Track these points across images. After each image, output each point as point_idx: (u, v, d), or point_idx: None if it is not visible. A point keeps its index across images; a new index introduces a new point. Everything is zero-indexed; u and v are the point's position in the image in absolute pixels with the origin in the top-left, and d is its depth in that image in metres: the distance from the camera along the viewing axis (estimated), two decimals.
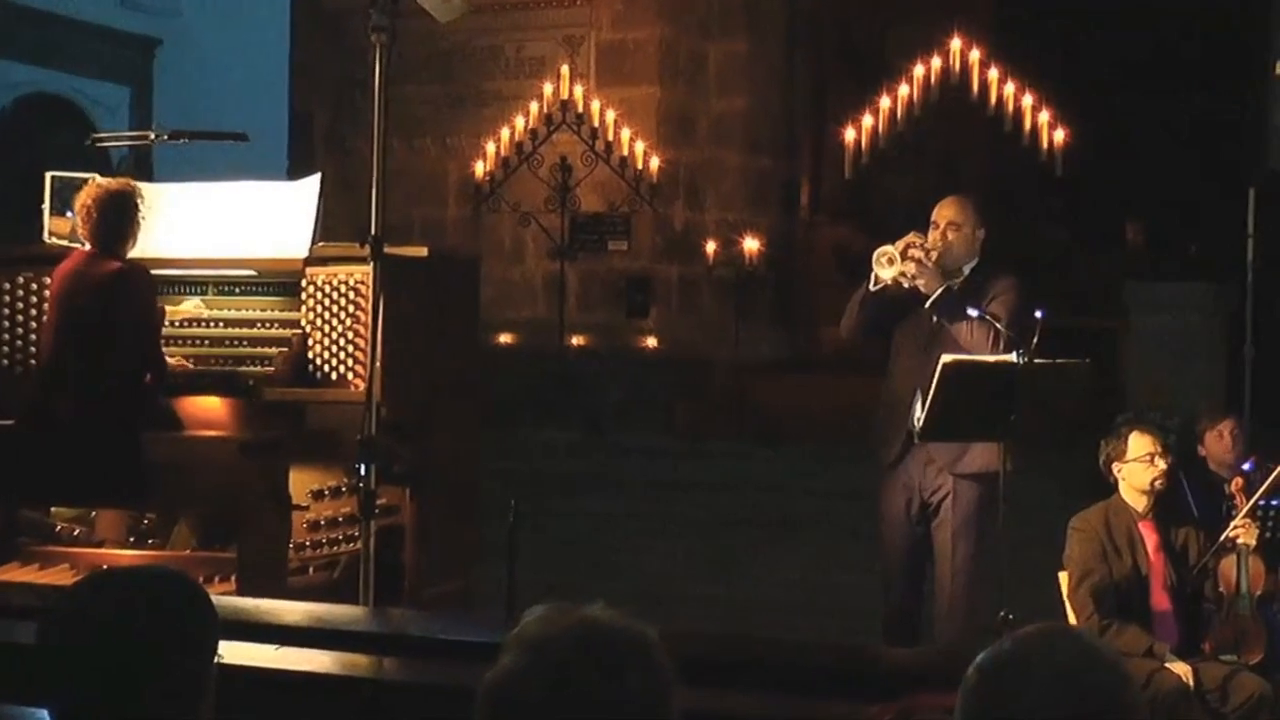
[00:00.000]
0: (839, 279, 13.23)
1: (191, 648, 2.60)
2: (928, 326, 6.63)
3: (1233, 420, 7.63)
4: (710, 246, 14.63)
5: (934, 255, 6.55)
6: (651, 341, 14.90)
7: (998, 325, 6.41)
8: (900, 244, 6.52)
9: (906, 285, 6.52)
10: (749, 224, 15.03)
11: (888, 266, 6.48)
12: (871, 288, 6.59)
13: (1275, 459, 6.88)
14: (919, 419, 6.45)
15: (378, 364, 5.68)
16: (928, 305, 6.54)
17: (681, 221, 15.23)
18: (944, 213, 6.78)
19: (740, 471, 12.06)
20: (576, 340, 14.75)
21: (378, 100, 5.62)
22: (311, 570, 6.66)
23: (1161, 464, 6.49)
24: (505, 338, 14.88)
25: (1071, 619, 6.36)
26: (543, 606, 2.26)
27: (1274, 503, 6.66)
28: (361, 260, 6.03)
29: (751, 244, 14.43)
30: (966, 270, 6.74)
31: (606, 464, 12.34)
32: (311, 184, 6.80)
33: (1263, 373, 11.44)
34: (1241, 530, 6.50)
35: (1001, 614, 5.92)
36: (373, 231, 5.66)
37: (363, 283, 6.38)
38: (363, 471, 5.55)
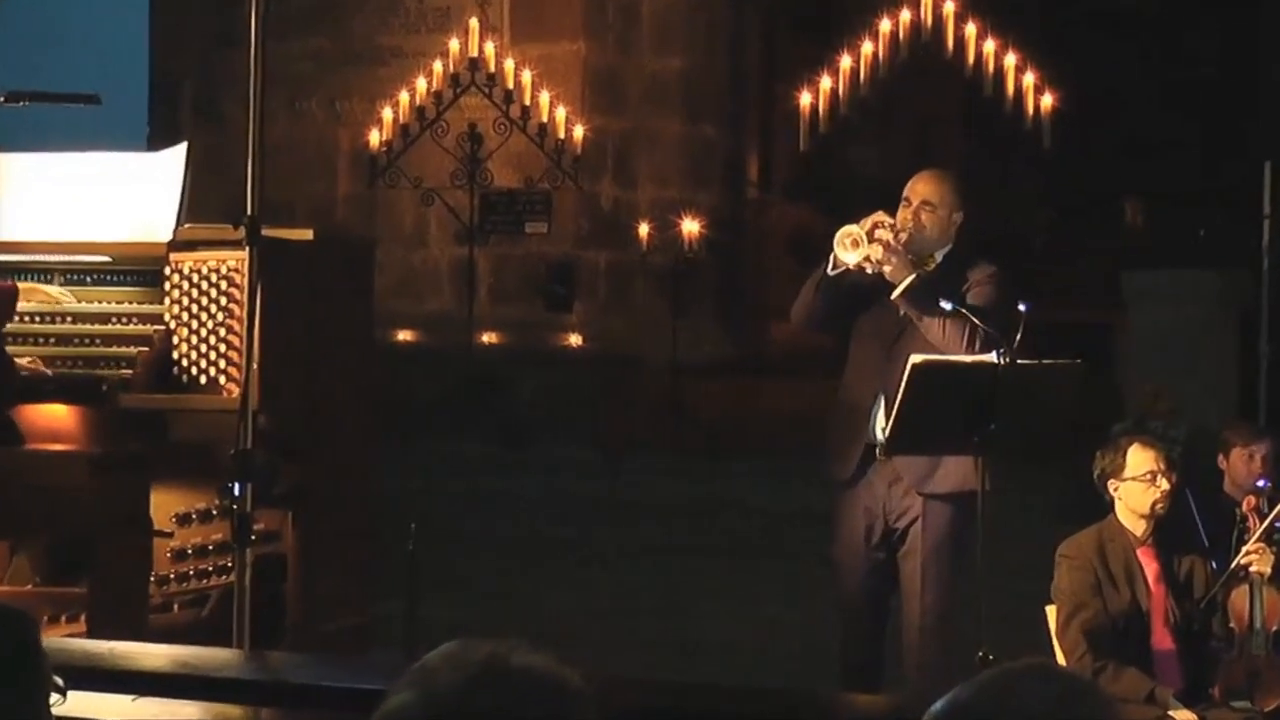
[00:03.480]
0: (793, 267, 13.28)
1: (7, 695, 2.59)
2: (893, 320, 6.66)
3: (1269, 443, 7.68)
4: (643, 229, 14.66)
5: (903, 237, 6.58)
6: (575, 339, 14.90)
7: (974, 320, 6.44)
8: (867, 223, 6.55)
9: (871, 271, 6.55)
10: (688, 203, 15.07)
11: (851, 249, 6.50)
12: (830, 271, 6.61)
13: None
14: (882, 429, 6.48)
15: (254, 366, 5.65)
16: (894, 295, 6.56)
17: (610, 200, 15.25)
18: (918, 189, 6.81)
19: (678, 490, 12.08)
20: (488, 338, 14.74)
21: (254, 58, 5.59)
22: (177, 607, 6.63)
23: (1164, 484, 6.53)
24: (406, 335, 14.85)
25: (1060, 659, 6.41)
26: (454, 642, 2.27)
27: None
28: (235, 245, 6.00)
29: (691, 226, 14.47)
30: (939, 257, 6.78)
31: (523, 481, 12.34)
32: (176, 155, 6.76)
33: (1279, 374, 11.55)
34: (1255, 557, 6.55)
35: (980, 654, 5.95)
36: (248, 211, 5.63)
37: (237, 271, 6.34)
38: (237, 491, 5.52)
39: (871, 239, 6.50)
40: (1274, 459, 7.57)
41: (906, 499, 6.69)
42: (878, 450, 6.65)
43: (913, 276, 6.55)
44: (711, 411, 13.66)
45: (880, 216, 6.58)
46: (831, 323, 6.91)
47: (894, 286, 6.57)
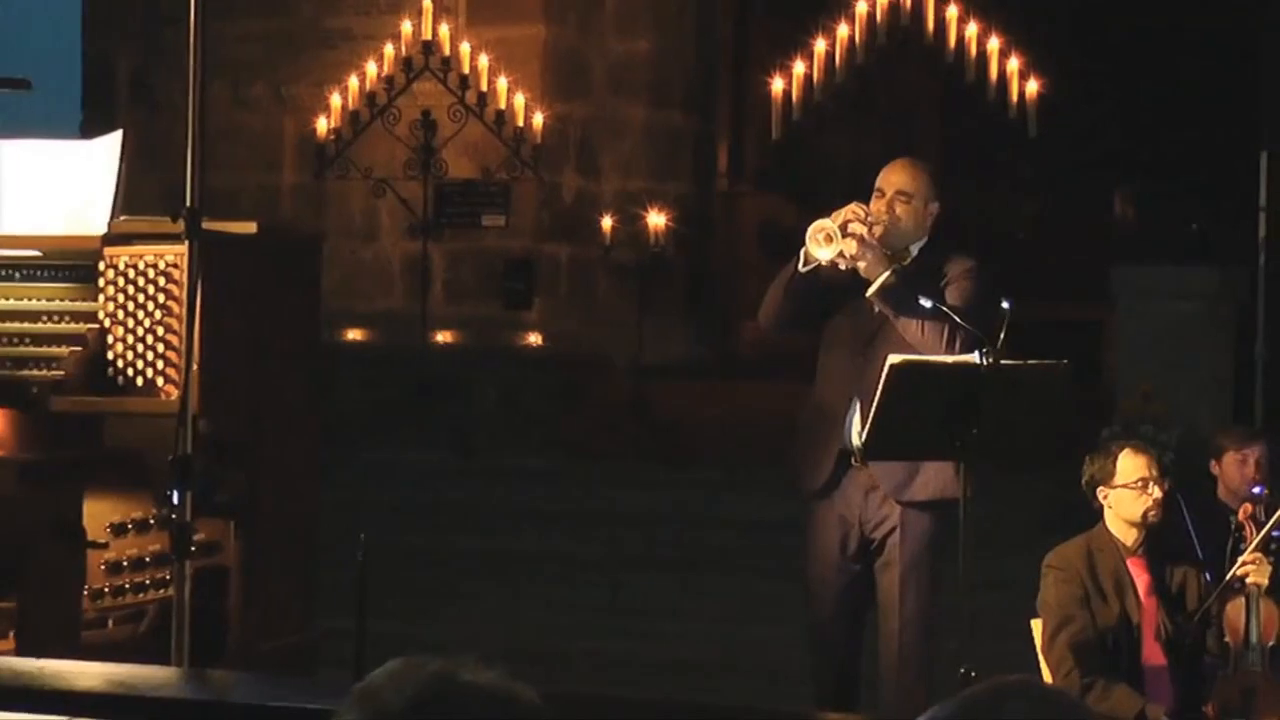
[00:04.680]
0: (765, 262, 13.29)
1: None
2: (867, 319, 6.68)
3: (1263, 446, 7.72)
4: (607, 222, 14.65)
5: (877, 230, 6.60)
6: (535, 339, 14.90)
7: (955, 318, 6.46)
8: (840, 217, 6.56)
9: (844, 268, 6.57)
10: (655, 194, 15.06)
11: (825, 245, 6.51)
12: (801, 268, 6.62)
13: None
14: (859, 434, 6.50)
15: (194, 367, 5.64)
16: (870, 292, 6.58)
17: (572, 191, 15.24)
18: (892, 179, 6.84)
19: (642, 499, 12.08)
20: (442, 337, 14.72)
21: (194, 39, 5.58)
22: (112, 623, 6.61)
23: (1156, 491, 6.57)
24: (355, 334, 14.83)
25: (1046, 676, 6.43)
26: (399, 660, 2.28)
27: None
28: (174, 238, 5.99)
29: (658, 219, 14.46)
30: (914, 251, 6.81)
31: (478, 490, 12.32)
32: (112, 143, 6.75)
33: (1277, 375, 11.59)
34: (1251, 568, 6.59)
35: (962, 671, 5.98)
36: (188, 202, 5.63)
37: (175, 266, 6.34)
38: (176, 500, 5.51)
39: (845, 233, 6.51)
40: (1269, 463, 7.60)
41: (883, 507, 6.71)
42: (854, 457, 6.67)
43: (888, 273, 6.57)
44: (678, 415, 13.65)
45: (854, 209, 6.59)
46: (802, 323, 6.92)
47: (868, 283, 6.59)
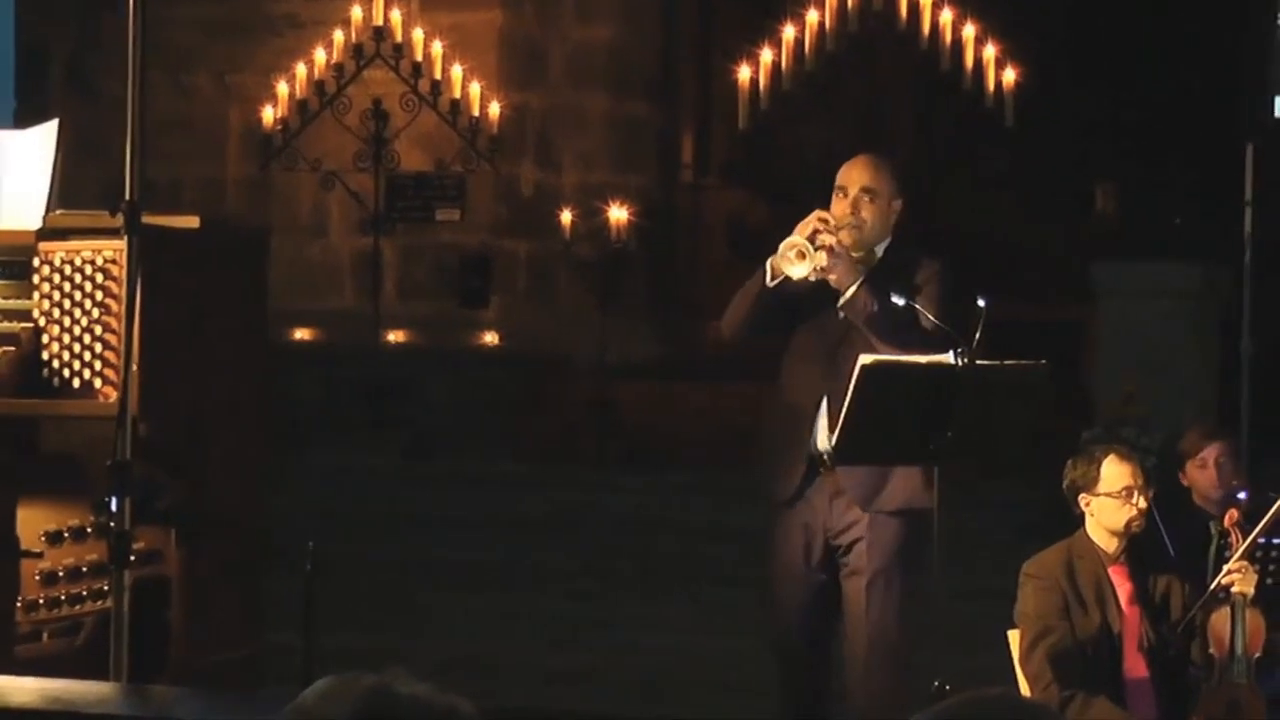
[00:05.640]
0: (732, 257, 13.31)
1: None
2: (836, 323, 6.69)
3: (1220, 445, 7.73)
4: (567, 217, 14.65)
5: (844, 236, 6.61)
6: (491, 338, 14.89)
7: (929, 316, 6.47)
8: (807, 229, 6.56)
9: (814, 280, 6.58)
10: (617, 188, 15.07)
11: (798, 262, 6.52)
12: (769, 283, 6.63)
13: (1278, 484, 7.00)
14: (827, 439, 6.50)
15: (134, 368, 5.62)
16: (841, 304, 6.60)
17: (530, 184, 15.24)
18: (854, 175, 6.84)
19: (602, 506, 12.08)
20: (395, 337, 14.71)
21: (134, 25, 5.56)
22: (47, 636, 6.59)
23: (1140, 501, 6.58)
24: (303, 334, 14.81)
25: (1024, 689, 6.44)
26: (329, 678, 2.28)
27: (1276, 540, 6.76)
28: (113, 233, 5.97)
29: (620, 213, 14.46)
30: (879, 252, 6.81)
31: (432, 496, 12.31)
32: (47, 133, 6.73)
33: (1263, 375, 11.61)
34: (1237, 576, 6.60)
35: (935, 685, 5.98)
36: (127, 196, 5.61)
37: (114, 262, 6.32)
38: (114, 507, 5.49)
39: (816, 245, 6.52)
40: (1234, 460, 7.63)
41: (849, 513, 6.71)
42: (824, 460, 6.66)
43: (859, 283, 6.59)
44: (644, 417, 13.66)
45: (818, 219, 6.59)
46: (767, 332, 6.92)
47: (836, 292, 6.61)
